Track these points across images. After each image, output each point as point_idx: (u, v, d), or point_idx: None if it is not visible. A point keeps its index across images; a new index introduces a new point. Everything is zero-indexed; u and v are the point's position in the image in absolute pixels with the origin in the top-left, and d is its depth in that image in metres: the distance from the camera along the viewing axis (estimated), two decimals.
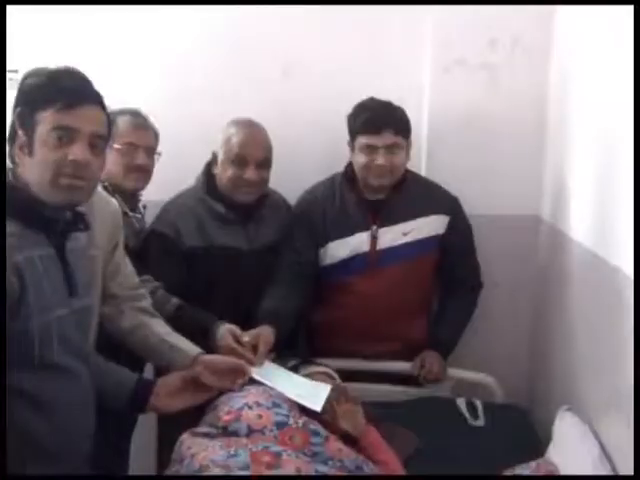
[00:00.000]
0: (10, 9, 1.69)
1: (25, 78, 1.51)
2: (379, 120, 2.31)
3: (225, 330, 2.13)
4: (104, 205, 1.96)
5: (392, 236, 2.41)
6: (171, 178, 2.40)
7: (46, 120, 1.47)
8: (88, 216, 1.63)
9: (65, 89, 1.48)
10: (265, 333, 2.17)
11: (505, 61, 2.58)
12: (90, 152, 1.50)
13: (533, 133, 2.62)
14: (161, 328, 2.00)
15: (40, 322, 1.44)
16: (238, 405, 1.82)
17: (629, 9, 1.70)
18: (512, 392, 2.54)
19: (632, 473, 1.54)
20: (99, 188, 1.99)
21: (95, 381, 1.64)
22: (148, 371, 2.30)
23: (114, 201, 2.06)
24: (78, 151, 1.48)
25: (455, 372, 2.49)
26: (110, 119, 1.61)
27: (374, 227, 2.40)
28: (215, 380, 1.84)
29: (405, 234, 2.41)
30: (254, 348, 2.10)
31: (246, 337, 2.12)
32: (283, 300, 2.34)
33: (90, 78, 1.55)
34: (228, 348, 2.07)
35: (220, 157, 2.36)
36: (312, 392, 1.98)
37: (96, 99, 1.54)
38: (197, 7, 2.60)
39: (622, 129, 1.76)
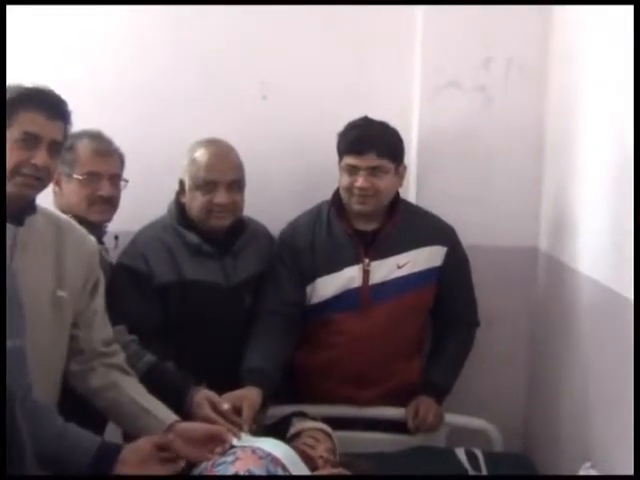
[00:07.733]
0: None
1: None
2: (362, 141, 2.16)
3: (202, 398, 1.92)
4: (80, 243, 1.79)
5: (386, 270, 2.21)
6: (143, 207, 2.22)
7: None
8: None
9: None
10: (250, 395, 1.98)
11: (500, 82, 2.43)
12: None
13: (530, 158, 2.47)
14: (134, 389, 1.80)
15: None
16: (228, 474, 1.59)
17: (626, 26, 1.62)
18: (509, 438, 2.35)
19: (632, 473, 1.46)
20: (76, 224, 1.83)
21: (52, 443, 1.45)
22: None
23: (92, 240, 1.87)
24: None
25: (451, 418, 2.28)
26: None
27: (366, 260, 2.21)
28: (190, 450, 1.59)
29: (400, 267, 2.22)
30: (237, 411, 1.91)
31: (225, 405, 1.91)
32: (269, 354, 2.14)
33: None
34: (205, 419, 1.85)
35: (187, 183, 2.15)
36: (297, 462, 1.76)
37: None
38: (171, 25, 2.45)
39: (626, 153, 1.64)
